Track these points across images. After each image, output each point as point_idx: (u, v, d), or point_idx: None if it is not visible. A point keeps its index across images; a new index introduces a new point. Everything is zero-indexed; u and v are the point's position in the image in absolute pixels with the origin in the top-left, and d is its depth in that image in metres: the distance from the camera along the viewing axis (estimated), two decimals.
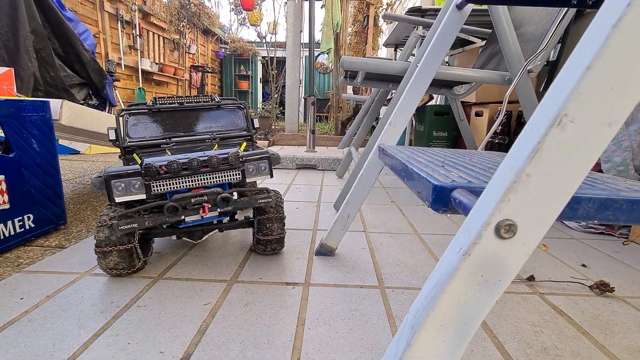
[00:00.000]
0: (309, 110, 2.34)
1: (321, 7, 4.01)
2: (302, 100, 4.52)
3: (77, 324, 0.57)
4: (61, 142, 2.44)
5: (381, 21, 4.70)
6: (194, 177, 0.70)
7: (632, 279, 0.78)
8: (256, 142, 0.92)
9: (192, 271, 0.76)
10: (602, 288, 0.70)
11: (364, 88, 4.35)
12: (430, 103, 2.55)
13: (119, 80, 3.73)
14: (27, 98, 0.90)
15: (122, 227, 0.65)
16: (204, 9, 5.46)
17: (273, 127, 4.47)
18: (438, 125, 2.39)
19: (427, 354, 0.25)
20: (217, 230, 0.81)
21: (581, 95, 0.21)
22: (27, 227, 0.89)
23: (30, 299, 0.64)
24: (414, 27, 1.89)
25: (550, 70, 1.56)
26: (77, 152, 2.59)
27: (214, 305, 0.63)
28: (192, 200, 0.69)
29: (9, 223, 0.84)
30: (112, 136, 0.80)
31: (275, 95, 4.69)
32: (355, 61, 1.18)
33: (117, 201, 0.66)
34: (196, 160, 0.69)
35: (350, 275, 0.76)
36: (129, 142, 0.81)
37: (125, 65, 3.98)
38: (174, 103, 0.88)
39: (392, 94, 1.86)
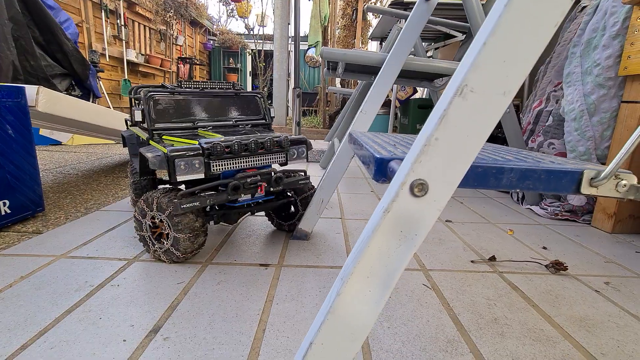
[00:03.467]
0: (295, 102, 2.35)
1: (309, 0, 4.00)
2: (290, 93, 4.51)
3: (51, 301, 0.58)
4: (42, 132, 2.40)
5: (370, 15, 4.71)
6: (250, 157, 0.74)
7: (587, 259, 0.83)
8: (273, 131, 0.93)
9: None
10: (557, 267, 0.75)
11: (352, 81, 4.37)
12: (414, 96, 2.59)
13: (103, 71, 3.66)
14: (7, 82, 0.89)
15: (185, 206, 0.67)
16: (191, 0, 5.37)
17: None
18: (422, 118, 2.44)
19: (355, 302, 0.27)
20: (249, 213, 0.83)
21: (479, 67, 0.23)
22: (3, 212, 0.89)
23: (4, 279, 0.65)
24: (398, 21, 1.92)
25: None
26: (58, 143, 2.55)
27: (187, 283, 0.65)
28: (248, 180, 0.73)
29: None
30: (138, 117, 0.76)
31: (264, 89, 4.67)
32: (334, 52, 1.20)
33: (178, 180, 0.66)
34: (254, 142, 0.73)
35: (322, 257, 0.79)
36: (158, 124, 0.78)
37: (109, 56, 3.91)
38: (198, 87, 0.87)
39: None
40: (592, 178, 0.33)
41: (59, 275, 0.67)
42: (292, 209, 0.92)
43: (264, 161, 0.76)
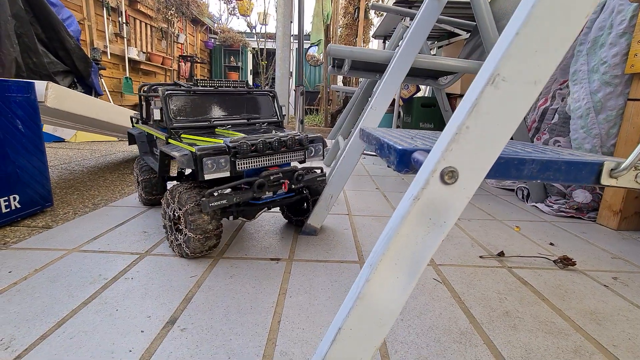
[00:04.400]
0: (297, 100, 2.36)
1: None
2: (292, 91, 4.51)
3: (66, 293, 0.59)
4: (45, 129, 2.40)
5: (372, 13, 4.71)
6: (273, 156, 0.75)
7: (594, 255, 0.84)
8: (285, 130, 0.94)
9: None
10: (565, 262, 0.76)
11: (353, 80, 4.37)
12: (417, 95, 2.60)
13: (104, 69, 3.66)
14: (11, 78, 0.89)
15: (213, 204, 0.67)
16: None
17: None
18: (425, 117, 2.44)
19: (383, 288, 0.28)
20: (266, 208, 0.84)
21: (511, 57, 0.24)
22: (13, 207, 0.90)
23: (19, 272, 0.65)
24: (402, 19, 1.92)
25: None
26: (62, 140, 2.55)
27: (200, 277, 0.66)
28: (272, 177, 0.74)
29: None
30: (157, 116, 0.78)
31: (266, 87, 4.67)
32: (341, 49, 1.20)
33: (205, 178, 0.67)
34: (277, 140, 0.74)
35: (332, 252, 0.80)
36: (176, 124, 0.78)
37: (111, 54, 3.90)
38: (213, 86, 0.87)
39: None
40: (612, 169, 0.34)
41: (72, 268, 0.67)
42: (305, 205, 0.92)
43: (285, 159, 0.77)
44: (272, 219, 1.01)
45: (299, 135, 0.78)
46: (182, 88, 0.82)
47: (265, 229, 0.93)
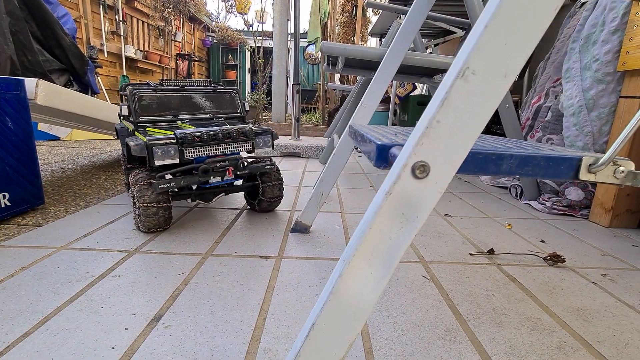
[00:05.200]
0: (294, 98, 2.35)
1: None
2: (290, 89, 4.50)
3: (52, 291, 0.58)
4: (40, 127, 2.39)
5: (370, 12, 4.70)
6: (219, 145, 0.86)
7: (584, 252, 0.84)
8: (248, 123, 1.03)
9: (168, 246, 0.78)
10: (555, 259, 0.76)
11: (351, 78, 4.36)
12: (414, 93, 2.60)
13: (101, 67, 3.64)
14: (4, 76, 0.89)
15: (162, 185, 0.79)
16: None
17: (261, 117, 4.45)
18: (421, 115, 2.44)
19: (356, 283, 0.28)
20: (223, 193, 0.98)
21: (480, 50, 0.24)
22: (3, 205, 0.89)
23: (5, 270, 0.65)
24: (397, 16, 1.92)
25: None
26: (57, 139, 2.54)
27: (188, 274, 0.66)
28: (218, 164, 0.84)
29: None
30: (125, 112, 0.89)
31: (263, 86, 4.66)
32: (334, 46, 1.20)
33: (156, 164, 0.78)
34: (222, 132, 0.84)
35: (322, 250, 0.79)
36: (142, 118, 0.90)
37: (108, 52, 3.89)
38: (178, 85, 0.98)
39: None
40: (590, 164, 0.34)
41: (60, 265, 0.67)
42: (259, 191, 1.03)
43: (232, 149, 0.88)
44: (262, 217, 1.01)
45: (244, 128, 0.88)
46: (150, 87, 0.93)
47: (255, 227, 0.93)
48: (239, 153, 0.91)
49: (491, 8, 0.23)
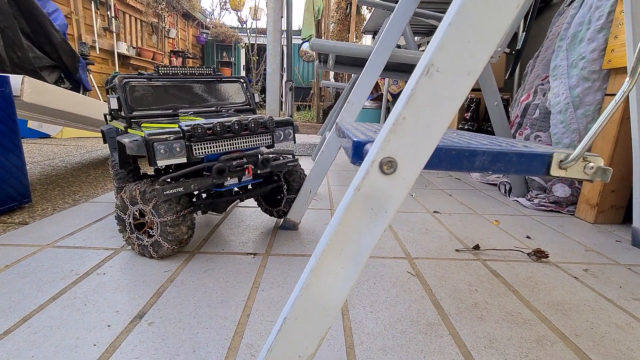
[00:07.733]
0: (286, 96, 2.35)
1: None
2: (284, 87, 4.49)
3: (36, 289, 0.58)
4: (30, 125, 2.37)
5: (364, 9, 4.69)
6: (235, 139, 0.70)
7: (568, 248, 0.85)
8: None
9: None
10: (539, 255, 0.77)
11: (345, 76, 4.36)
12: None
13: (93, 64, 3.60)
14: None
15: (168, 192, 0.63)
16: None
17: None
18: None
19: (327, 278, 0.28)
20: (238, 200, 0.81)
21: (444, 48, 0.24)
22: None
23: None
24: (389, 13, 1.92)
25: (516, 57, 1.62)
26: (47, 136, 2.52)
27: (174, 272, 0.66)
28: (235, 162, 0.69)
29: None
30: (114, 105, 0.72)
31: (258, 83, 4.64)
32: (324, 44, 1.20)
33: (158, 165, 0.62)
34: (237, 123, 0.69)
35: (309, 247, 0.80)
36: (136, 112, 0.74)
37: (100, 49, 3.85)
38: (177, 73, 0.83)
39: None
40: (561, 160, 0.34)
41: (44, 264, 0.67)
42: (280, 195, 0.90)
43: (250, 143, 0.73)
44: (252, 214, 1.01)
45: (263, 117, 0.74)
46: (143, 76, 0.78)
47: (245, 224, 0.93)
48: (258, 148, 0.76)
49: (454, 6, 0.24)
